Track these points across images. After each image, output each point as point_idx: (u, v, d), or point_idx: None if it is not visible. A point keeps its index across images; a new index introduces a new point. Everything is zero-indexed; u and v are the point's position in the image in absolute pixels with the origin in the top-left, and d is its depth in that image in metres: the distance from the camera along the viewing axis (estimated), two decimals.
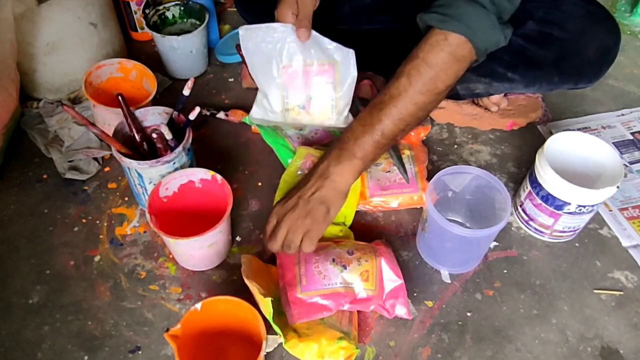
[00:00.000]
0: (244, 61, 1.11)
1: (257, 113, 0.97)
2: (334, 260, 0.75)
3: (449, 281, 0.83)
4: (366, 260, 0.75)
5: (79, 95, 1.06)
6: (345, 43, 0.88)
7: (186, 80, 0.82)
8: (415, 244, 0.86)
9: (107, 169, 0.96)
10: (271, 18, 0.88)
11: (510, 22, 0.90)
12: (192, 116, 0.81)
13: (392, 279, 0.75)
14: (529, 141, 1.04)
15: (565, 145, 0.85)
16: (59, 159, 0.95)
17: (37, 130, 1.00)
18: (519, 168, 0.99)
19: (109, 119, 0.91)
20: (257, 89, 1.09)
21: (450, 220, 0.74)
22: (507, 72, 0.93)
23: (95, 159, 0.96)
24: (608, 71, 0.96)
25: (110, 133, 0.80)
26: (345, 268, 0.74)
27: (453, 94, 1.03)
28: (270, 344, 0.67)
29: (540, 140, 1.04)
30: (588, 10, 0.90)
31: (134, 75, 0.97)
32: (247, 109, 1.05)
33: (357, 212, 0.89)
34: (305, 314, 0.71)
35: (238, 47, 1.12)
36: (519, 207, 0.89)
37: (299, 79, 0.91)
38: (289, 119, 0.95)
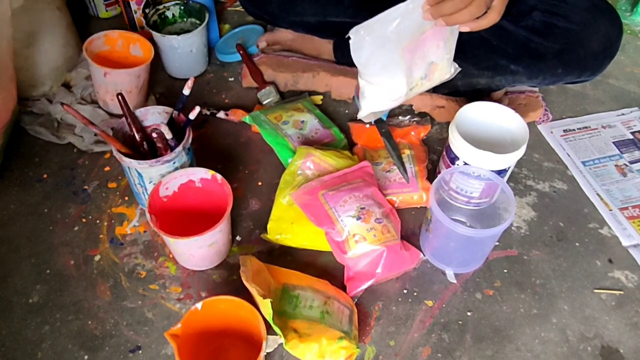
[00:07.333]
0: (244, 60, 1.11)
1: (368, 108, 0.85)
2: (362, 208, 0.80)
3: (455, 281, 0.83)
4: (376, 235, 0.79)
5: (66, 80, 1.06)
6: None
7: (186, 80, 0.82)
8: (415, 244, 0.86)
9: (107, 168, 0.96)
10: (274, 5, 0.85)
11: (514, 14, 0.89)
12: (192, 116, 0.81)
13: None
14: (529, 140, 1.03)
15: (482, 115, 0.87)
16: (78, 139, 0.95)
17: (39, 124, 0.99)
18: (519, 167, 0.99)
19: (121, 82, 0.94)
20: (257, 88, 1.10)
21: (453, 220, 0.74)
22: (511, 64, 0.92)
23: None
24: (608, 70, 0.96)
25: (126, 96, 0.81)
26: (359, 219, 0.79)
27: (453, 90, 1.02)
28: (270, 344, 0.67)
29: (541, 140, 1.05)
30: (592, 3, 0.90)
31: (120, 45, 0.99)
32: (247, 109, 1.05)
33: None
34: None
35: (238, 46, 1.13)
36: (445, 152, 0.89)
37: (417, 52, 0.80)
38: (410, 95, 0.85)
